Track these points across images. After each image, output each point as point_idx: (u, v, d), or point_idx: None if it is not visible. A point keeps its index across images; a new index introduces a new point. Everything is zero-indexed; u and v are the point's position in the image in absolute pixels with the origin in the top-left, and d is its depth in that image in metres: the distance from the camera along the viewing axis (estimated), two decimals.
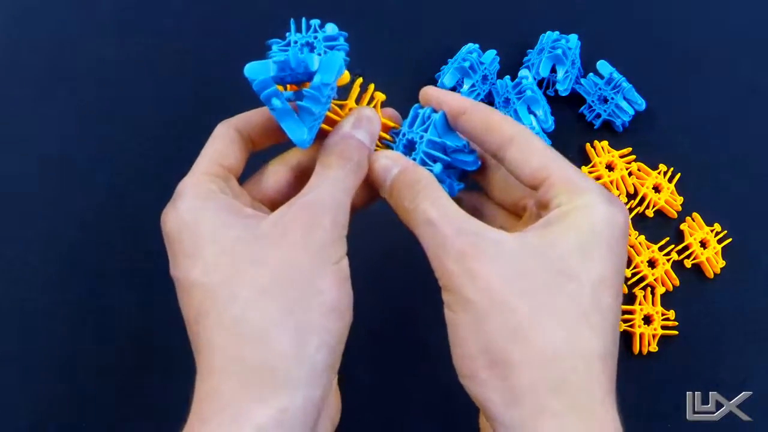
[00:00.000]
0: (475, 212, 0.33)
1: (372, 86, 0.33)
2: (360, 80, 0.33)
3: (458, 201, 0.30)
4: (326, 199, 0.27)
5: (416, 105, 0.33)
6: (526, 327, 0.24)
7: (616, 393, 0.24)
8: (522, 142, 0.28)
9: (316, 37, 0.33)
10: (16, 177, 0.48)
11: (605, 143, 0.49)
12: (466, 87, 0.49)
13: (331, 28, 0.33)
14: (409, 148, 0.32)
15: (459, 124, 0.31)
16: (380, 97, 0.33)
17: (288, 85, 0.31)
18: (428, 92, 0.32)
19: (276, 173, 0.31)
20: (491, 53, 0.50)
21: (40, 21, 0.53)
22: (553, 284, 0.24)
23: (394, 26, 0.54)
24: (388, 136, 0.33)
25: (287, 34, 0.34)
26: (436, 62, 0.51)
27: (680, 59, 0.53)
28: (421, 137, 0.31)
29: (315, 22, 0.33)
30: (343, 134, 0.30)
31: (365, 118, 0.30)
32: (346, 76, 0.31)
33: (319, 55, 0.30)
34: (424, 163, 0.31)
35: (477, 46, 0.50)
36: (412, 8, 0.55)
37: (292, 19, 0.34)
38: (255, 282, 0.24)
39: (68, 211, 0.46)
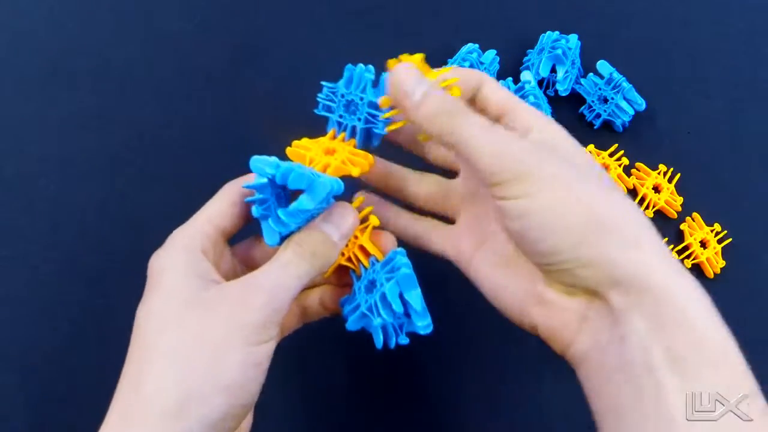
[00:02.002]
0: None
1: (369, 209, 0.34)
2: (361, 199, 0.34)
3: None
4: (265, 282, 0.28)
5: (399, 250, 0.33)
6: (603, 189, 0.28)
7: None
8: (492, 81, 0.33)
9: (362, 98, 0.33)
10: (16, 177, 0.48)
11: (591, 147, 0.49)
12: None
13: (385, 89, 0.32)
14: (369, 288, 0.33)
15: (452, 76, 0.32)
16: (374, 221, 0.34)
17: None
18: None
19: (265, 246, 0.32)
20: (491, 53, 0.50)
21: (40, 21, 0.53)
22: (588, 170, 0.29)
23: (394, 26, 0.54)
24: (366, 262, 0.33)
25: (339, 82, 0.33)
26: (436, 62, 0.51)
27: (680, 59, 0.53)
28: (382, 284, 0.32)
29: (368, 77, 0.33)
30: (309, 225, 0.31)
31: (336, 213, 0.31)
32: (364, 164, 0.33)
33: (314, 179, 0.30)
34: (371, 311, 0.32)
35: (477, 46, 0.50)
36: (412, 8, 0.55)
37: (348, 67, 0.33)
38: (170, 342, 0.26)
39: (68, 211, 0.46)
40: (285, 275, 0.29)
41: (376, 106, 0.32)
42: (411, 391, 0.43)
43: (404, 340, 0.33)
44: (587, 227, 0.27)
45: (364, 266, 0.33)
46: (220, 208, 0.31)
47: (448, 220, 0.36)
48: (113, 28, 0.53)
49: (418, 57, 0.31)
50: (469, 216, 0.35)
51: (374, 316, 0.32)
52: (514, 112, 0.31)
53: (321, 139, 0.34)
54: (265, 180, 0.30)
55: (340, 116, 0.33)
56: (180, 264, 0.29)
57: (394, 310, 0.31)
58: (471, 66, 0.48)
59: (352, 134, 0.33)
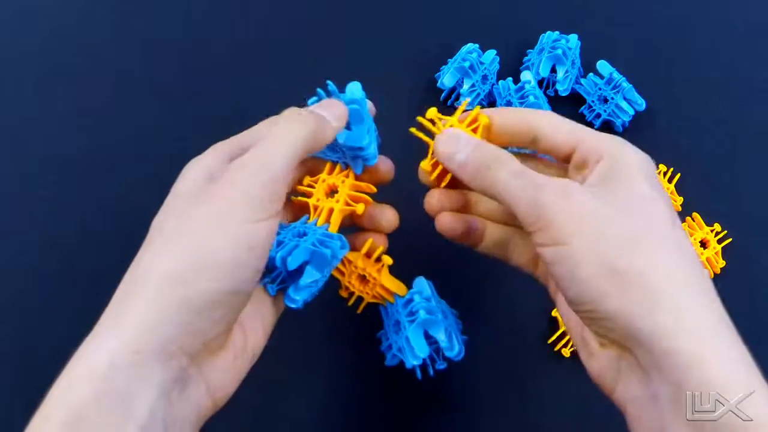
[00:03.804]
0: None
1: (381, 249, 0.34)
2: (370, 241, 0.34)
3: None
4: (250, 156, 0.28)
5: (413, 290, 0.35)
6: (640, 236, 0.26)
7: None
8: (551, 117, 0.32)
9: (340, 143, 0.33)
10: (16, 177, 0.48)
11: None
12: (466, 87, 0.49)
13: (356, 90, 0.33)
14: (396, 329, 0.35)
15: (495, 126, 0.32)
16: (387, 261, 0.35)
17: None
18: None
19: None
20: (491, 53, 0.50)
21: (40, 21, 0.53)
22: (643, 207, 0.27)
23: (394, 26, 0.54)
24: (391, 299, 0.35)
25: (314, 98, 0.33)
26: (436, 62, 0.51)
27: (680, 59, 0.53)
28: (405, 327, 0.34)
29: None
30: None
31: (325, 102, 0.31)
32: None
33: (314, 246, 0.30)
34: (401, 352, 0.34)
35: (477, 46, 0.50)
36: (412, 8, 0.55)
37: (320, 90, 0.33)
38: (166, 233, 0.27)
39: (68, 211, 0.46)
40: (270, 147, 0.28)
41: (352, 147, 0.32)
42: (415, 391, 0.43)
43: (441, 365, 0.35)
44: (609, 279, 0.25)
45: (390, 302, 0.35)
46: (257, 132, 0.32)
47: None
48: (113, 28, 0.53)
49: (433, 110, 0.33)
50: None
51: (406, 358, 0.33)
52: (582, 144, 0.30)
53: (322, 175, 0.34)
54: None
55: (324, 154, 0.34)
56: (199, 165, 0.29)
57: (420, 354, 0.33)
58: (471, 66, 0.48)
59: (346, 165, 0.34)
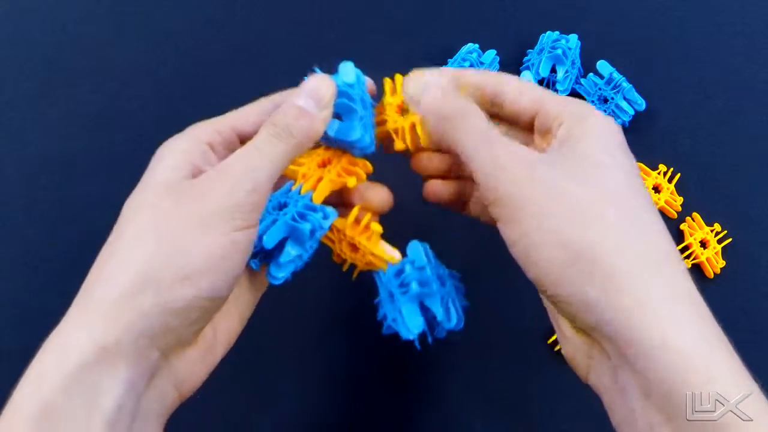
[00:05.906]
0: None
1: (368, 216, 0.33)
2: (357, 208, 0.33)
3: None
4: (235, 166, 0.27)
5: (406, 259, 0.33)
6: (593, 208, 0.25)
7: None
8: (516, 81, 0.30)
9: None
10: (16, 177, 0.48)
11: None
12: None
13: (346, 74, 0.32)
14: (390, 299, 0.33)
15: (461, 83, 0.31)
16: (376, 228, 0.33)
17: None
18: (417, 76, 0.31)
19: None
20: (491, 53, 0.50)
21: (39, 21, 0.53)
22: (596, 175, 0.26)
23: (394, 26, 0.54)
24: (384, 266, 0.34)
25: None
26: (436, 62, 0.51)
27: (680, 59, 0.53)
28: (398, 299, 0.32)
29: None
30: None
31: (309, 83, 0.29)
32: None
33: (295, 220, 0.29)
34: (396, 323, 0.32)
35: (477, 46, 0.50)
36: (413, 8, 0.55)
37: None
38: (140, 226, 0.26)
39: (68, 211, 0.46)
40: (256, 157, 0.27)
41: (344, 141, 0.31)
42: (414, 385, 0.42)
43: (441, 334, 0.33)
44: (566, 263, 0.24)
45: (383, 270, 0.34)
46: (243, 114, 0.31)
47: None
48: (113, 28, 0.53)
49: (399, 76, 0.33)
50: None
51: (400, 331, 0.32)
52: (543, 108, 0.29)
53: (317, 150, 0.33)
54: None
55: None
56: (178, 152, 0.28)
57: (414, 330, 0.32)
58: (471, 66, 0.48)
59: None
